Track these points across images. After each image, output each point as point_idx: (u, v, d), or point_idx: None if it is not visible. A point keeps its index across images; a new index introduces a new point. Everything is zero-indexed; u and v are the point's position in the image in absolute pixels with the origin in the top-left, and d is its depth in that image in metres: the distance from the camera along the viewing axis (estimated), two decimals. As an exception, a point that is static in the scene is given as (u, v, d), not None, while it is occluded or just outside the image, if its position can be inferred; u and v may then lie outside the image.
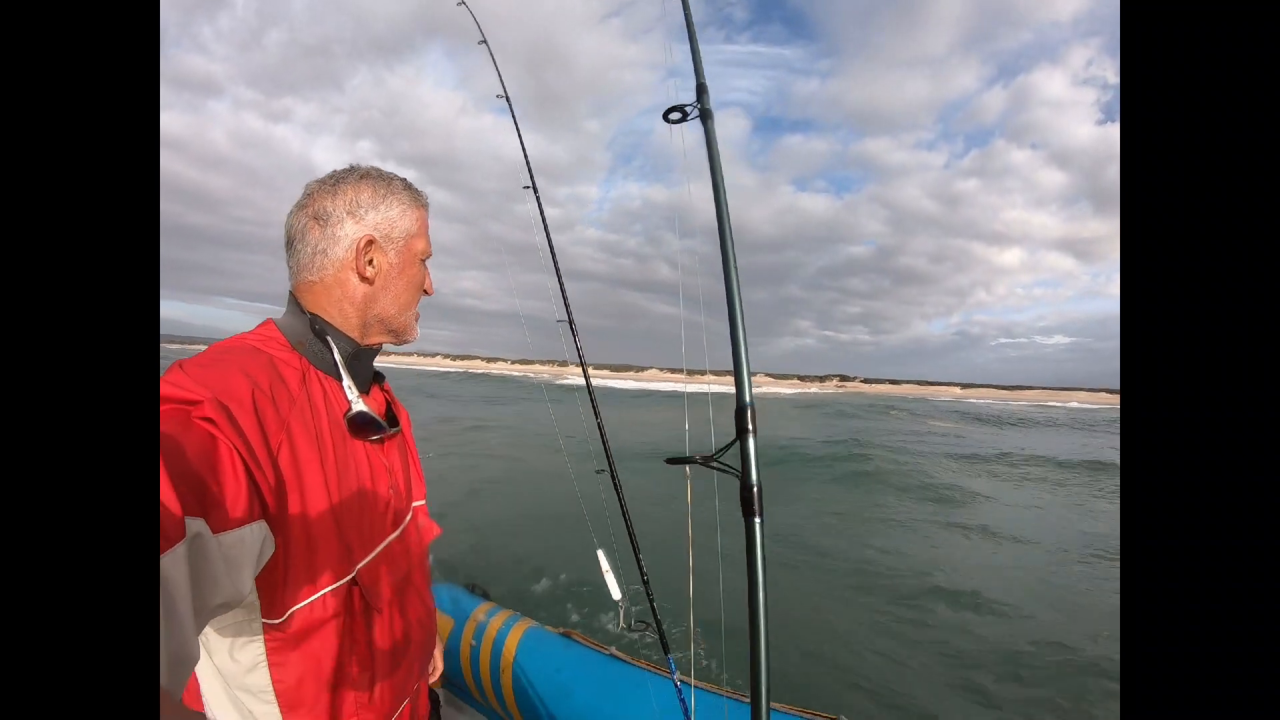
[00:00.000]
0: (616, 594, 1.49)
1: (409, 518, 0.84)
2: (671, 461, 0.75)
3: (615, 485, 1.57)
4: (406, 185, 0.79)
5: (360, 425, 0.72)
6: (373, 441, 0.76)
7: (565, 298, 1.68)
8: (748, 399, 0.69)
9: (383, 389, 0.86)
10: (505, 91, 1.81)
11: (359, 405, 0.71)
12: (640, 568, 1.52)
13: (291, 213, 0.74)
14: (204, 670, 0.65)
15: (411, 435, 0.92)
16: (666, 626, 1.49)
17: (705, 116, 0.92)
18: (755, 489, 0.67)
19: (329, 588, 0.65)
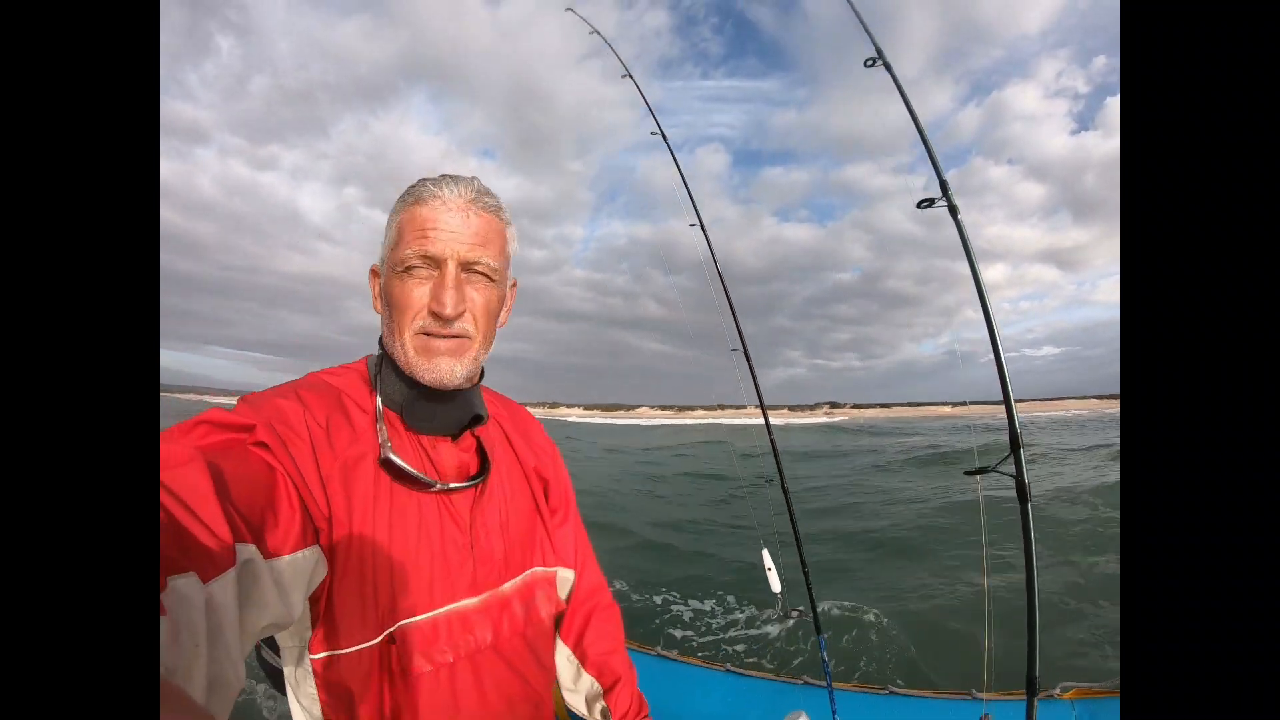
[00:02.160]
0: (776, 587, 1.70)
1: (509, 586, 0.71)
2: (970, 473, 1.15)
3: (784, 493, 1.80)
4: (413, 186, 0.66)
5: (392, 473, 0.63)
6: (436, 493, 0.66)
7: (738, 324, 1.77)
8: (1017, 426, 1.11)
9: (475, 434, 0.72)
10: (660, 129, 1.98)
11: (386, 452, 0.62)
12: (803, 561, 1.71)
13: None
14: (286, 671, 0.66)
15: (539, 490, 0.79)
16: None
17: (953, 211, 1.20)
18: (1026, 485, 1.10)
19: (366, 644, 0.61)
